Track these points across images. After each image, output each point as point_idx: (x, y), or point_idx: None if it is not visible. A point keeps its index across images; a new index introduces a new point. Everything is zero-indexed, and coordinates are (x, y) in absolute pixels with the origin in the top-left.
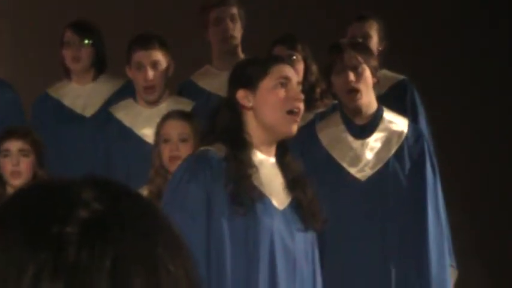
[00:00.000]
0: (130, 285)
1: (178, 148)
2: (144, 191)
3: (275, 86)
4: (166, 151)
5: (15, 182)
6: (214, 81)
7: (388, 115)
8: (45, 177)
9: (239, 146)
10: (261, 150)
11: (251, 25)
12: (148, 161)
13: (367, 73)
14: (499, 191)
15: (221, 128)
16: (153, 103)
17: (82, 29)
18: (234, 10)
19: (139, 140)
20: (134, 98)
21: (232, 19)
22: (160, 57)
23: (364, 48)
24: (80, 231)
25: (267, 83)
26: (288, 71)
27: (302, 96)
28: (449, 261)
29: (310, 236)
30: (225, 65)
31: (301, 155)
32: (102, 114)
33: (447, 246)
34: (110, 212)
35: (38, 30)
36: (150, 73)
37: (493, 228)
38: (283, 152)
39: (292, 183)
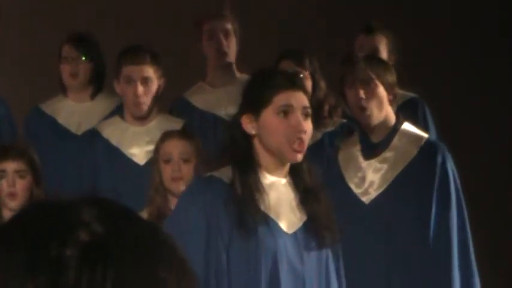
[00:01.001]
0: None
1: (180, 168)
2: (145, 214)
3: (277, 116)
4: (167, 171)
5: (11, 204)
6: (207, 99)
7: (408, 129)
8: (42, 197)
9: (246, 170)
10: (270, 172)
11: (257, 37)
12: (135, 181)
13: (380, 89)
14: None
15: (228, 151)
16: (142, 120)
17: (80, 43)
18: (228, 25)
19: (127, 160)
20: (121, 116)
21: (226, 34)
22: (151, 73)
23: (378, 63)
24: (80, 254)
25: (269, 112)
26: (292, 98)
27: (304, 127)
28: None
29: (325, 254)
30: (219, 82)
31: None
32: (90, 132)
33: (455, 270)
34: (111, 234)
35: (34, 44)
36: (140, 88)
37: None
38: (299, 166)
39: (305, 198)
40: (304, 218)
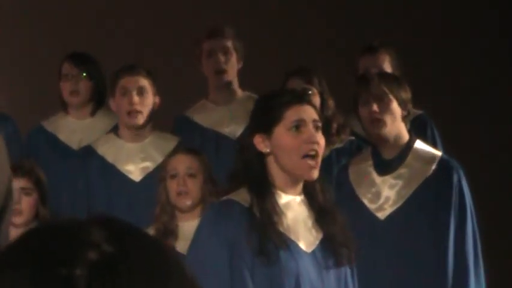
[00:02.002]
0: None
1: (186, 183)
2: (151, 231)
3: (289, 131)
4: (173, 187)
5: (16, 221)
6: (210, 116)
7: (420, 148)
8: (47, 216)
9: (262, 192)
10: (286, 192)
11: (261, 56)
12: (131, 198)
13: (394, 105)
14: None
15: (242, 172)
16: (136, 136)
17: (80, 61)
18: (228, 43)
19: (122, 176)
20: (116, 133)
21: (225, 52)
22: (146, 84)
23: (392, 79)
24: (89, 274)
25: (281, 129)
26: (302, 112)
27: (317, 139)
28: None
29: (344, 272)
30: (221, 100)
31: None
32: (85, 149)
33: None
34: (120, 254)
35: (36, 46)
36: (136, 98)
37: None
38: (312, 185)
39: (320, 216)
40: (320, 236)
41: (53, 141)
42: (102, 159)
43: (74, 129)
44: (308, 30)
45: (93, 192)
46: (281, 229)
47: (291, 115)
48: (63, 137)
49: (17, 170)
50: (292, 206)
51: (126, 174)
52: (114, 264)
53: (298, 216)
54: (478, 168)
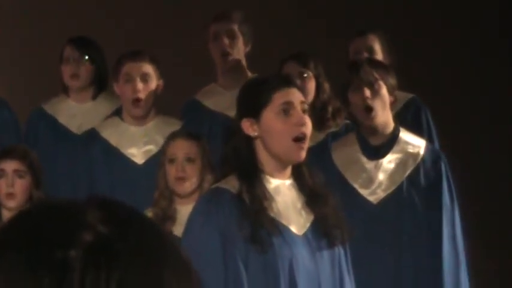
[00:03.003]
0: None
1: (184, 169)
2: (148, 214)
3: (277, 114)
4: (172, 172)
5: (10, 204)
6: (219, 101)
7: (405, 135)
8: (41, 198)
9: (251, 178)
10: (274, 176)
11: (264, 40)
12: (134, 181)
13: (384, 91)
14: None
15: (231, 159)
16: (140, 120)
17: (82, 44)
18: (233, 26)
19: (126, 159)
20: (120, 116)
21: (230, 35)
22: (150, 71)
23: (381, 66)
24: (85, 256)
25: (269, 112)
26: (290, 95)
27: (306, 121)
28: None
29: (337, 253)
30: (230, 83)
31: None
32: (88, 132)
33: (464, 275)
34: (116, 235)
35: (36, 45)
36: (140, 85)
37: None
38: (299, 169)
39: (311, 199)
40: (311, 218)
41: (53, 124)
42: (105, 143)
43: (74, 113)
44: (304, 14)
45: (96, 175)
46: (272, 214)
47: (279, 98)
48: (63, 120)
49: (10, 152)
50: (281, 190)
51: (129, 157)
52: (109, 246)
53: (287, 200)
54: (477, 165)
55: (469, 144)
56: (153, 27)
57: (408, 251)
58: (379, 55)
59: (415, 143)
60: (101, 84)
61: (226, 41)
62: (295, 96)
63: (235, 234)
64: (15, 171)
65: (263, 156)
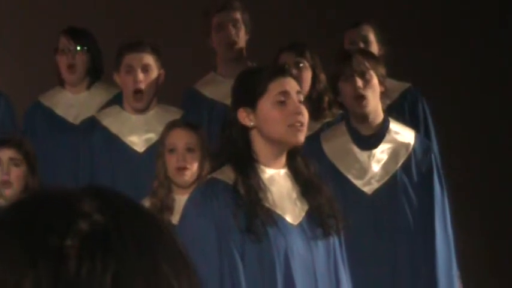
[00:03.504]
0: None
1: (185, 158)
2: (146, 203)
3: (274, 104)
4: (172, 162)
5: (6, 192)
6: (218, 89)
7: (395, 126)
8: (37, 187)
9: (246, 169)
10: (269, 165)
11: (260, 29)
12: (134, 169)
13: (375, 80)
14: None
15: (227, 149)
16: (141, 111)
17: (77, 35)
18: (237, 15)
19: (126, 147)
20: (120, 105)
21: (235, 24)
22: (151, 61)
23: (372, 56)
24: (80, 245)
25: (265, 102)
26: (285, 84)
27: (302, 109)
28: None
29: (332, 242)
30: (230, 72)
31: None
32: (88, 120)
33: (454, 260)
34: (112, 224)
35: (31, 37)
36: (141, 75)
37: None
38: (294, 158)
39: (306, 189)
40: (306, 208)
41: (50, 116)
42: (106, 130)
43: (71, 103)
44: (299, 5)
45: (96, 163)
46: (267, 205)
47: (275, 87)
48: (59, 111)
49: (6, 141)
50: (276, 179)
51: (130, 145)
52: (105, 235)
53: (282, 189)
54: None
55: (466, 140)
56: (148, 16)
57: (403, 240)
58: (374, 45)
59: (405, 134)
60: (96, 73)
61: (232, 30)
62: (291, 85)
63: (231, 224)
64: (11, 159)
65: (259, 146)
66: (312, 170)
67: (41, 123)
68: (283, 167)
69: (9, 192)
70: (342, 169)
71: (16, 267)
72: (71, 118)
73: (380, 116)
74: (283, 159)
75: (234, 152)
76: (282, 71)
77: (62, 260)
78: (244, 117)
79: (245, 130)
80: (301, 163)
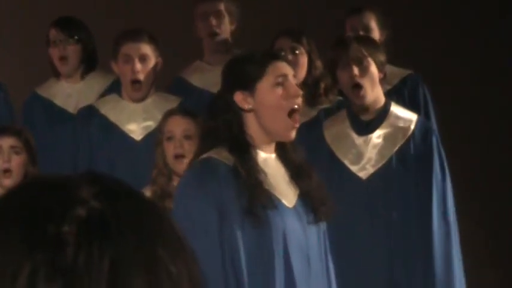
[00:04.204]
0: (130, 287)
1: (183, 145)
2: (147, 192)
3: (273, 86)
4: (170, 149)
5: (6, 182)
6: (205, 77)
7: (396, 110)
8: (35, 175)
9: (244, 151)
10: (262, 149)
11: (255, 18)
12: (133, 157)
13: (373, 67)
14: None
15: (222, 131)
16: (139, 100)
17: (67, 26)
18: (220, 6)
19: (124, 135)
20: (118, 94)
21: (218, 15)
22: (149, 51)
23: (370, 42)
24: (78, 231)
25: (264, 84)
26: (283, 67)
27: (301, 92)
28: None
29: (322, 228)
30: (216, 60)
31: (307, 153)
32: (87, 108)
33: (455, 247)
34: (109, 210)
35: (24, 28)
36: (138, 65)
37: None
38: (283, 144)
39: (296, 175)
40: (297, 193)
41: (49, 107)
42: (104, 118)
43: (69, 93)
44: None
45: (94, 151)
46: (266, 187)
47: (274, 70)
48: (58, 101)
49: (6, 130)
50: (270, 163)
51: (128, 133)
52: (102, 222)
53: (276, 173)
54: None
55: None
56: (136, 4)
57: (398, 226)
58: (376, 32)
59: (406, 118)
60: (90, 62)
61: (213, 21)
62: (288, 69)
63: (233, 206)
64: (12, 147)
65: (254, 129)
66: (299, 155)
67: (40, 114)
68: (273, 152)
69: (9, 183)
70: (339, 155)
71: (13, 254)
72: (70, 108)
73: (380, 101)
74: (273, 144)
75: (229, 135)
76: (276, 55)
77: (60, 246)
78: (242, 100)
79: (240, 113)
80: (291, 149)
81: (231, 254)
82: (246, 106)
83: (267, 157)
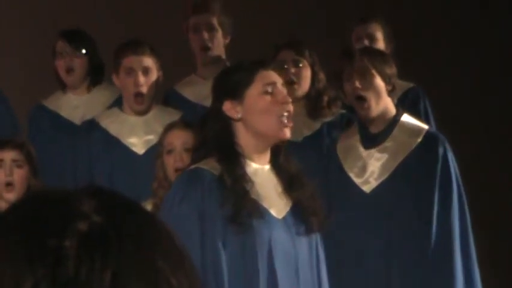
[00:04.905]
0: None
1: (183, 159)
2: (148, 205)
3: (261, 94)
4: (170, 162)
5: (8, 196)
6: (198, 91)
7: (407, 121)
8: (39, 188)
9: (232, 161)
10: (253, 160)
11: (254, 28)
12: (134, 170)
13: (377, 80)
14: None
15: (210, 142)
16: (141, 113)
17: (74, 38)
18: (213, 19)
19: (126, 149)
20: (119, 107)
21: (210, 29)
22: (151, 64)
23: (376, 54)
24: (79, 245)
25: (252, 92)
26: (271, 75)
27: (290, 99)
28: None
29: (314, 239)
30: (209, 74)
31: (309, 165)
32: (88, 123)
33: (459, 263)
34: (110, 224)
35: (29, 40)
36: (142, 78)
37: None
38: (277, 154)
39: (289, 185)
40: (290, 204)
41: (56, 119)
42: (105, 132)
43: (75, 105)
44: (298, 3)
45: (96, 165)
46: (253, 197)
47: (261, 78)
48: (65, 113)
49: (8, 143)
50: (261, 174)
51: (130, 146)
52: (104, 236)
53: (267, 183)
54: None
55: (468, 135)
56: (133, 17)
57: (399, 240)
58: (381, 43)
59: (415, 130)
60: (96, 75)
61: (205, 34)
62: (276, 77)
63: (215, 215)
64: (14, 160)
65: (244, 139)
66: (293, 165)
67: (45, 126)
68: (267, 163)
69: (12, 197)
70: (346, 167)
71: (15, 268)
72: (76, 120)
73: (390, 113)
74: (267, 155)
75: (218, 144)
76: (264, 64)
77: (61, 260)
78: (231, 109)
79: (230, 123)
80: (285, 160)
81: (212, 263)
82: (235, 115)
83: (258, 168)
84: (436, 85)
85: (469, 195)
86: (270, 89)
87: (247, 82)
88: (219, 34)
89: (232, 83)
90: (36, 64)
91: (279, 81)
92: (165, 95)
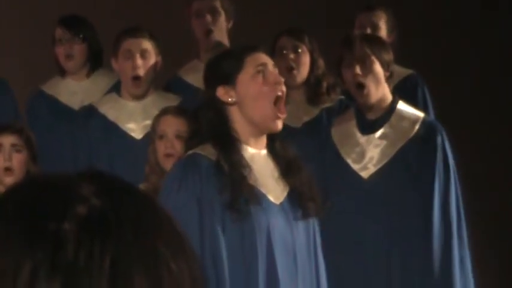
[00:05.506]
0: (131, 284)
1: (174, 145)
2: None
3: (253, 76)
4: (161, 148)
5: (7, 180)
6: (200, 76)
7: (403, 108)
8: (36, 173)
9: (228, 146)
10: (250, 144)
11: (253, 16)
12: (133, 156)
13: (377, 66)
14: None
15: (206, 128)
16: (139, 96)
17: (73, 24)
18: (216, 3)
19: (124, 134)
20: (118, 93)
21: (213, 12)
22: (149, 47)
23: (375, 41)
24: (78, 229)
25: (244, 75)
26: (262, 57)
27: (282, 79)
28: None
29: (312, 225)
30: None
31: (309, 151)
32: (87, 108)
33: (457, 249)
34: (109, 208)
35: (28, 27)
36: (139, 61)
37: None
38: (273, 140)
39: (286, 171)
40: (287, 189)
41: (54, 104)
42: (103, 118)
43: (74, 90)
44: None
45: (94, 150)
46: (251, 182)
47: (252, 61)
48: (64, 99)
49: (8, 128)
50: (258, 159)
51: (128, 132)
52: (103, 218)
53: (264, 168)
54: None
55: (467, 125)
56: (135, 4)
57: (398, 226)
58: (383, 32)
59: (412, 117)
60: (96, 61)
61: (208, 18)
62: (267, 58)
63: (213, 201)
64: (13, 145)
65: (239, 124)
66: (290, 151)
67: (44, 111)
68: (263, 148)
69: (11, 181)
70: (343, 153)
71: (14, 252)
72: (75, 106)
73: (387, 100)
74: (263, 140)
75: (214, 130)
76: (253, 47)
77: (60, 244)
78: (224, 94)
79: (224, 108)
80: (281, 146)
81: (211, 250)
82: (229, 100)
83: (255, 153)
84: (436, 85)
85: (469, 194)
86: (261, 70)
87: (238, 67)
88: (222, 18)
89: (223, 68)
90: (36, 64)
91: (269, 62)
92: (168, 81)
